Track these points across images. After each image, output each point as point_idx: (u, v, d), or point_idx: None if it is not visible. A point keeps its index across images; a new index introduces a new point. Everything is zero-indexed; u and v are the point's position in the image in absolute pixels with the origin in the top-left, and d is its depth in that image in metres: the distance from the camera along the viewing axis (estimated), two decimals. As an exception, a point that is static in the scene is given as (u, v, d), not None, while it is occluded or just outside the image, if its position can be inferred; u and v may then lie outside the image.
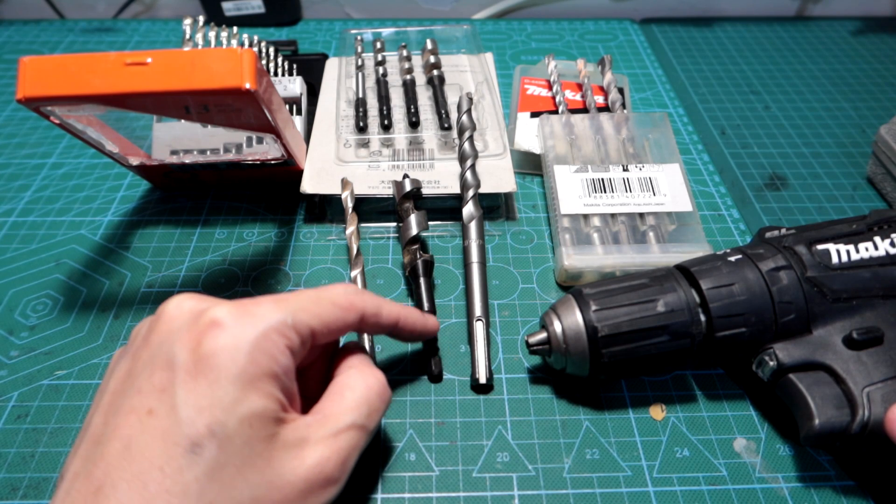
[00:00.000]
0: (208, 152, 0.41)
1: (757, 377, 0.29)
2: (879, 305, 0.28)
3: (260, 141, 0.41)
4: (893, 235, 0.29)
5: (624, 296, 0.29)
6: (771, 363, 0.28)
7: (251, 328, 0.22)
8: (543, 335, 0.30)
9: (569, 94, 0.48)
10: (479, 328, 0.33)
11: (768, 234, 0.31)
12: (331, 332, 0.24)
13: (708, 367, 0.33)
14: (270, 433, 0.21)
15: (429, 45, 0.49)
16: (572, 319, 0.29)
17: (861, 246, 0.28)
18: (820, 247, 0.29)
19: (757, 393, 0.32)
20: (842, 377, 0.26)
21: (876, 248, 0.28)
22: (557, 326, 0.29)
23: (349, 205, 0.38)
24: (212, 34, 0.48)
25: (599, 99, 0.47)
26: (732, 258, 0.29)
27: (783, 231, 0.31)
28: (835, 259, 0.28)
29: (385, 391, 0.26)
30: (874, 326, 0.27)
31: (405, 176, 0.38)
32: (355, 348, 0.28)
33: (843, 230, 0.29)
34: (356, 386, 0.25)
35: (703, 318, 0.28)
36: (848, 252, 0.28)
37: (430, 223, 0.40)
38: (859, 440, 0.26)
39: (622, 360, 0.28)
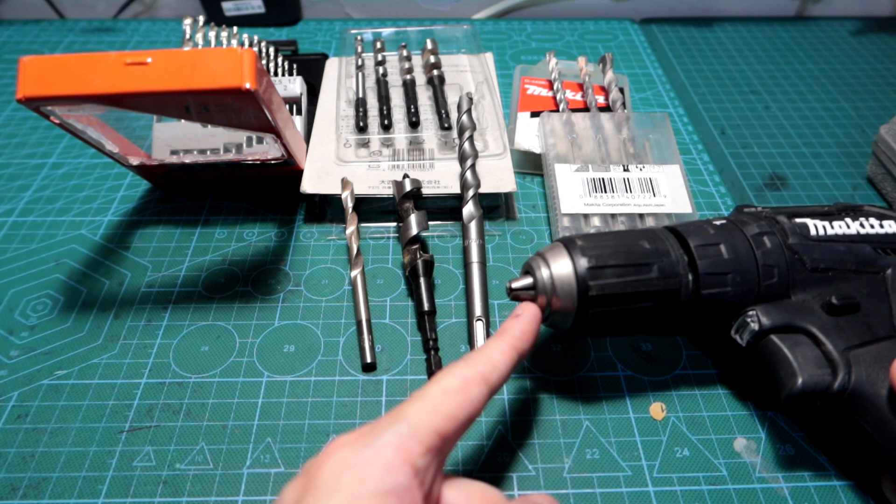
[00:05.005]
0: (208, 152, 0.41)
1: (737, 347, 0.29)
2: (853, 279, 0.29)
3: (260, 141, 0.41)
4: (861, 219, 0.30)
5: (614, 242, 0.29)
6: (753, 324, 0.28)
7: (362, 448, 0.20)
8: (529, 280, 0.29)
9: (569, 94, 0.48)
10: (479, 328, 0.33)
11: (746, 210, 0.32)
12: (459, 422, 0.22)
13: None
14: None
15: (429, 45, 0.49)
16: (561, 264, 0.28)
17: (835, 223, 0.30)
18: (798, 220, 0.30)
19: (756, 392, 0.32)
20: (821, 340, 0.27)
21: (848, 227, 0.30)
22: (545, 272, 0.28)
23: (349, 205, 0.38)
24: (212, 34, 0.48)
25: (600, 99, 0.47)
26: (717, 223, 0.30)
27: (760, 209, 0.32)
28: (812, 231, 0.29)
29: None
30: (852, 294, 0.28)
31: (405, 176, 0.38)
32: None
33: (816, 210, 0.31)
34: None
35: (690, 277, 0.28)
36: (824, 227, 0.30)
37: (430, 223, 0.40)
38: (839, 400, 0.26)
39: (609, 311, 0.28)
